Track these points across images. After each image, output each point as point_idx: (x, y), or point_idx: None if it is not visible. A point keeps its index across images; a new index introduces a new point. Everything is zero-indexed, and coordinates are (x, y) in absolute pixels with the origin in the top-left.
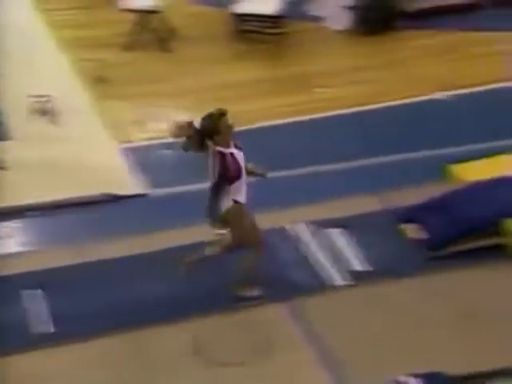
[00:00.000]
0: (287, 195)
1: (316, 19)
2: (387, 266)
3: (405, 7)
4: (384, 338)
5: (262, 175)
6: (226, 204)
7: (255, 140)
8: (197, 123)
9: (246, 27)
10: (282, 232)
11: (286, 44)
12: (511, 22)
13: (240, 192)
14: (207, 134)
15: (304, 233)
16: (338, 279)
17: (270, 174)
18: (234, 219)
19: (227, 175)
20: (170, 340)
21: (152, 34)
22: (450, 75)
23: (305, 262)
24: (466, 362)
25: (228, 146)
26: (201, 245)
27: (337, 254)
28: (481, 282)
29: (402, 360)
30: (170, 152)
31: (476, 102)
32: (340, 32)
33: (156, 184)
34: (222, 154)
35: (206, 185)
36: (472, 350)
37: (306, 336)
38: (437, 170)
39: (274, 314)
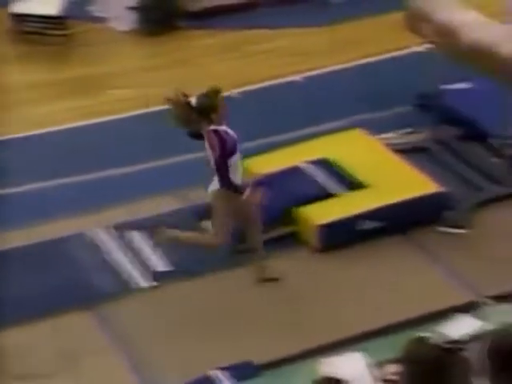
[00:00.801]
0: (86, 199)
1: (100, 20)
2: (189, 265)
3: (188, 7)
4: (191, 336)
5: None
6: (215, 185)
7: (45, 144)
8: (193, 101)
9: (27, 28)
10: (82, 237)
11: (70, 45)
12: (288, 18)
13: (235, 172)
14: (204, 112)
15: (105, 236)
16: (141, 281)
17: (62, 180)
18: (217, 204)
19: (225, 149)
20: None
21: None
22: (233, 73)
23: (107, 266)
24: (276, 349)
25: (221, 124)
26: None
27: (138, 255)
28: (284, 270)
29: (211, 355)
30: None
31: (261, 98)
32: (125, 32)
33: None
34: (216, 131)
35: None
36: (282, 337)
37: (114, 341)
38: None
39: (80, 321)
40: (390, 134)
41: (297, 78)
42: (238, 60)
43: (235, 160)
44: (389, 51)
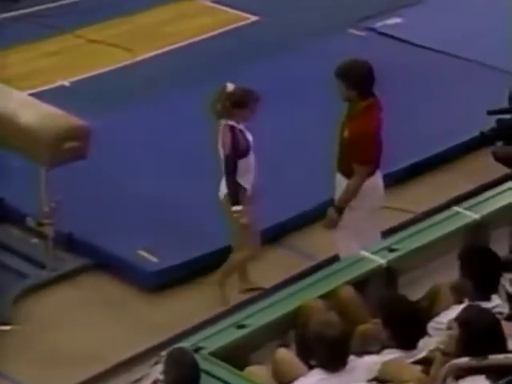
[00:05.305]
0: None
1: None
2: None
3: None
4: None
5: None
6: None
7: None
8: (230, 87)
9: None
10: None
11: None
12: None
13: (247, 174)
14: (234, 102)
15: None
16: None
17: None
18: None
19: (238, 149)
20: None
21: None
22: None
23: None
24: None
25: (242, 122)
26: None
27: None
28: None
29: None
30: None
31: None
32: None
33: None
34: (232, 128)
35: None
36: None
37: None
38: None
39: None
40: None
41: None
42: None
43: (247, 164)
44: None
